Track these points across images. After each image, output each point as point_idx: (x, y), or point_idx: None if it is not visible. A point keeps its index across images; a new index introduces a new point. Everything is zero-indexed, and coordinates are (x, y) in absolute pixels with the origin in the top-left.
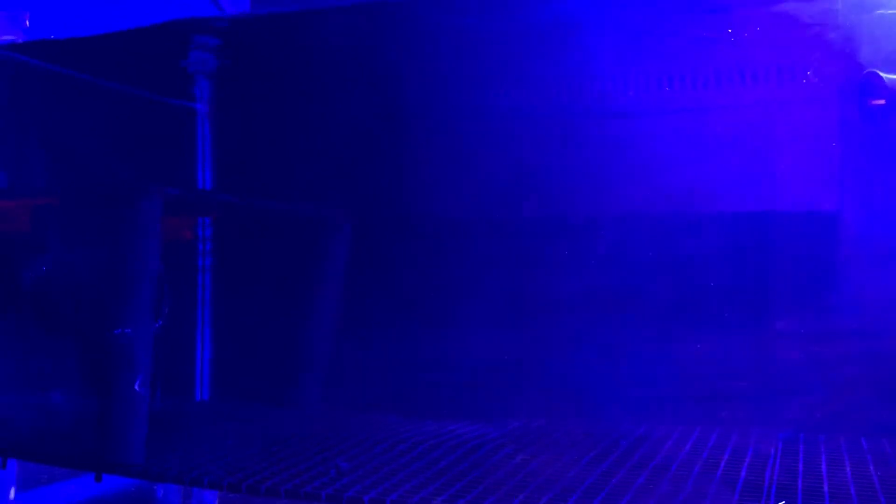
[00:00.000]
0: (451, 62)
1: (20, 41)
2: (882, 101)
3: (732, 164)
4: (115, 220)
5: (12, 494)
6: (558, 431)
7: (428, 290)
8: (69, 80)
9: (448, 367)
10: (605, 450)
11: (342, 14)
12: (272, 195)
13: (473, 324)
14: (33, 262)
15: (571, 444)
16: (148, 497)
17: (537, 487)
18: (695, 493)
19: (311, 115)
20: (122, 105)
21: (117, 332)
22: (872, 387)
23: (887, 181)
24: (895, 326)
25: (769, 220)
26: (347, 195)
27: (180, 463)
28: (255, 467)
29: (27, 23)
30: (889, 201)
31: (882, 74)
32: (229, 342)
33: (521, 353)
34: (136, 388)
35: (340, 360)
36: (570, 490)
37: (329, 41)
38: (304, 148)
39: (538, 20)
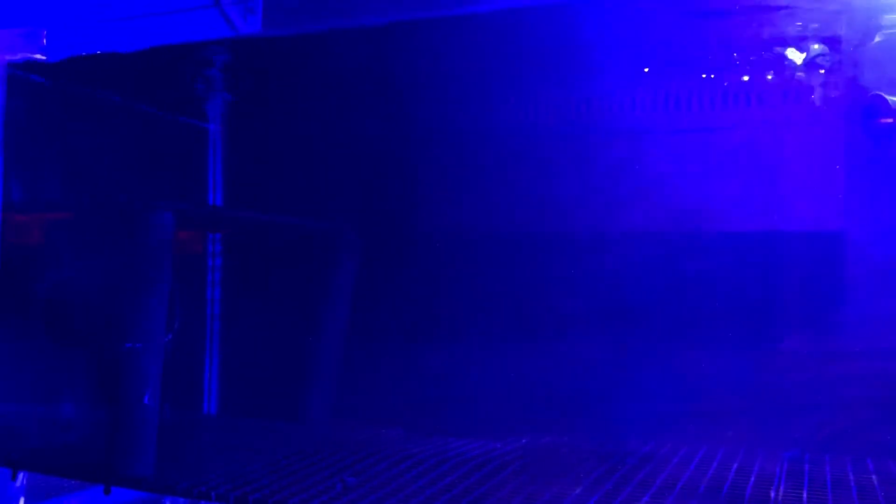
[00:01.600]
0: (461, 82)
1: (37, 59)
2: (890, 120)
3: (739, 183)
4: (127, 234)
5: None
6: (564, 448)
7: (436, 305)
8: (85, 98)
9: (454, 383)
10: (611, 468)
11: (352, 35)
12: (282, 212)
13: (481, 340)
14: (46, 275)
15: (577, 462)
16: None
17: (549, 501)
18: None
19: (322, 134)
20: (135, 123)
21: (128, 345)
22: (878, 407)
23: (892, 201)
24: None
25: (775, 239)
26: (357, 212)
27: (189, 476)
28: (263, 481)
29: (44, 41)
30: (894, 221)
31: (887, 97)
32: (238, 356)
33: (527, 370)
34: (146, 401)
35: (348, 375)
36: None
37: (340, 61)
38: (314, 165)
39: (546, 41)
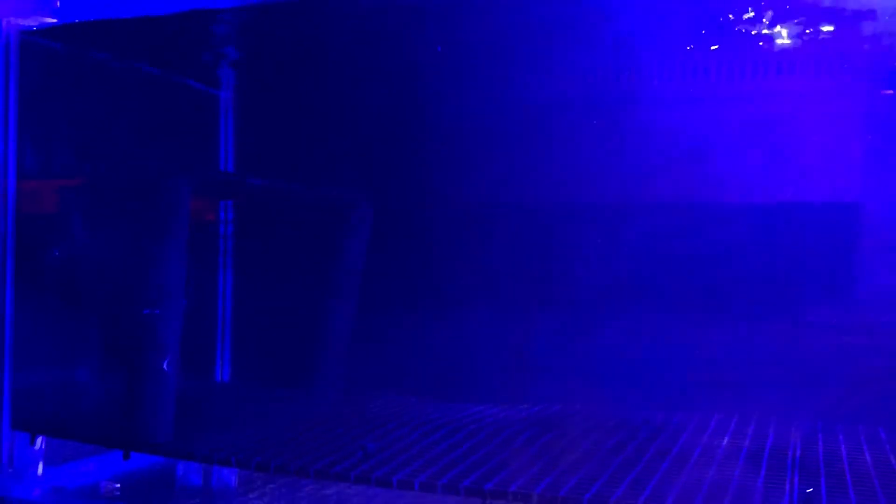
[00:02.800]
0: (477, 48)
1: (50, 23)
2: None
3: (763, 153)
4: (145, 203)
5: (40, 470)
6: (577, 417)
7: (447, 275)
8: (97, 64)
9: (468, 351)
10: (629, 435)
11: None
12: (294, 181)
13: (496, 308)
14: (62, 243)
15: (593, 429)
16: (167, 475)
17: (562, 472)
18: (719, 478)
19: (334, 101)
20: (147, 90)
21: (146, 311)
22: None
23: None
24: None
25: (798, 210)
26: (369, 181)
27: (208, 443)
28: (283, 448)
29: (57, 3)
30: None
31: None
32: (250, 324)
33: (543, 339)
34: (165, 367)
35: (361, 343)
36: (595, 475)
37: (351, 28)
38: (326, 133)
39: (570, 9)
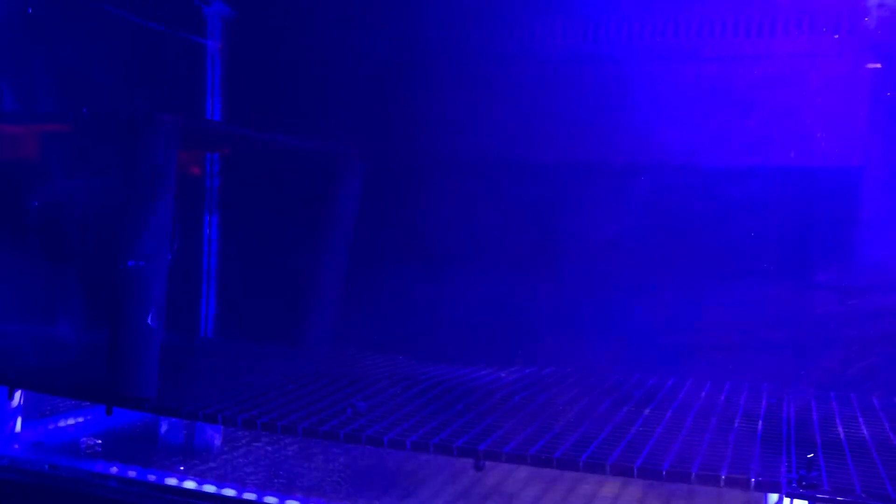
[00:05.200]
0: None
1: None
2: None
3: (764, 116)
4: (131, 147)
5: (18, 426)
6: (570, 378)
7: (439, 232)
8: (80, 6)
9: (460, 311)
10: (624, 397)
11: None
12: (283, 133)
13: (489, 267)
14: (42, 191)
15: (588, 390)
16: (149, 432)
17: (557, 434)
18: (717, 440)
19: (325, 52)
20: (131, 36)
21: (130, 263)
22: None
23: None
24: None
25: (806, 174)
26: (359, 134)
27: (193, 399)
28: (271, 405)
29: None
30: None
31: None
32: (236, 279)
33: (536, 299)
34: (149, 321)
35: (350, 300)
36: (591, 437)
37: None
38: (316, 86)
39: None
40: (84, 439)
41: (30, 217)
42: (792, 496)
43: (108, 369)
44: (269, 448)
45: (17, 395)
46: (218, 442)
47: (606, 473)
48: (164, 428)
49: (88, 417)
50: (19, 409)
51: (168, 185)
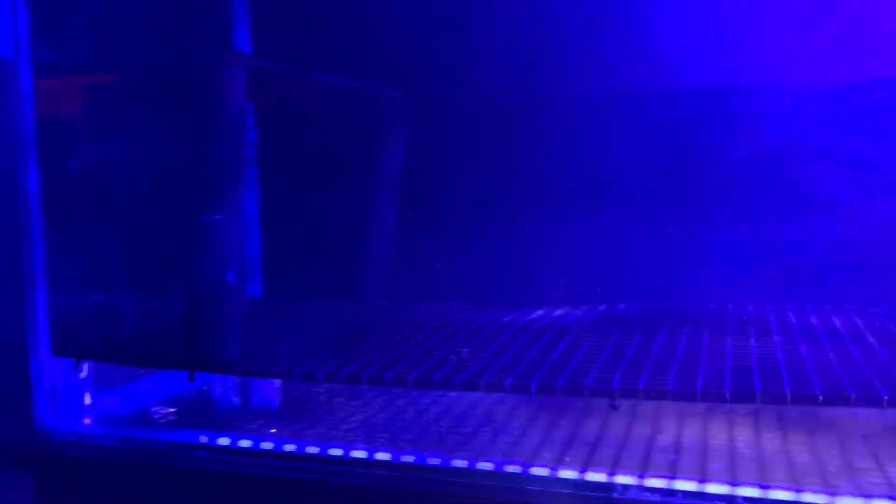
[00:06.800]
0: None
1: None
2: None
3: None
4: (200, 94)
5: (88, 399)
6: (651, 314)
7: (490, 175)
8: None
9: (518, 254)
10: (717, 328)
11: None
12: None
13: (540, 210)
14: (93, 150)
15: (678, 324)
16: (202, 399)
17: (681, 370)
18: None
19: None
20: None
21: (204, 217)
22: None
23: None
24: None
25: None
26: (406, 74)
27: (273, 358)
28: (362, 359)
29: None
30: None
31: None
32: (281, 235)
33: (595, 237)
34: (229, 278)
35: (402, 251)
36: (720, 372)
37: None
38: (356, 23)
39: None
40: (154, 408)
41: (83, 179)
42: None
43: (187, 333)
44: (352, 404)
45: (85, 366)
46: (277, 404)
47: (756, 402)
48: (217, 392)
49: (152, 384)
50: (88, 382)
51: (240, 131)
